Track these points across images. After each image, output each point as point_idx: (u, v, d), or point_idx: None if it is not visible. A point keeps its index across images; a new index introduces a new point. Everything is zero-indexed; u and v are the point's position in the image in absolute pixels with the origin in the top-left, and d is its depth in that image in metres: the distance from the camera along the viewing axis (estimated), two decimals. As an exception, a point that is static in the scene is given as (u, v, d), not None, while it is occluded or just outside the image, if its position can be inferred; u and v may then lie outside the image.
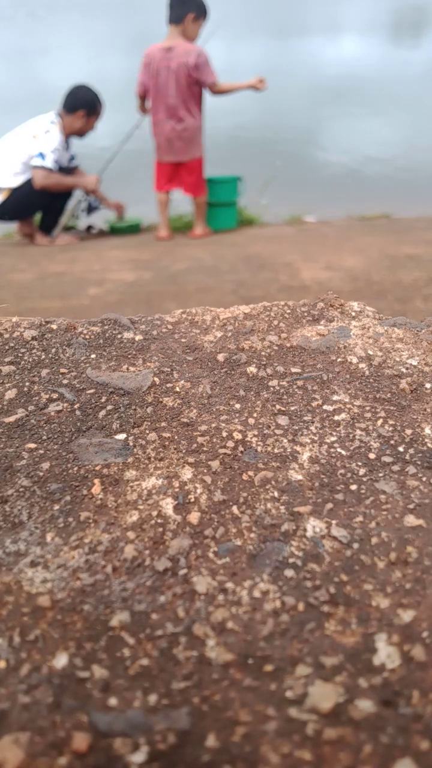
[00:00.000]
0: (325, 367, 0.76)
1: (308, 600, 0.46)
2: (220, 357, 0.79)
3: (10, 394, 0.72)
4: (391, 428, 0.65)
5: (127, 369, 0.77)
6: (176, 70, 4.00)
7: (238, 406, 0.69)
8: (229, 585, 0.48)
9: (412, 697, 0.39)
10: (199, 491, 0.57)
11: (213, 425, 0.66)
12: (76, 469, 0.60)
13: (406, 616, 0.45)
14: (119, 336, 0.84)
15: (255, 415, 0.68)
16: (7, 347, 0.81)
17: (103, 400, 0.71)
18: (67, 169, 4.35)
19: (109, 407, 0.70)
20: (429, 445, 0.62)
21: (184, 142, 4.30)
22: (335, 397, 0.70)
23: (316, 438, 0.64)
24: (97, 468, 0.60)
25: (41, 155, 4.03)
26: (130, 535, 0.52)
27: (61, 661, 0.42)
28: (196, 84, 4.10)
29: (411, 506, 0.55)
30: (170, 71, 4.01)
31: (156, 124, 4.24)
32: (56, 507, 0.56)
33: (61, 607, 0.46)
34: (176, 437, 0.65)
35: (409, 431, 0.64)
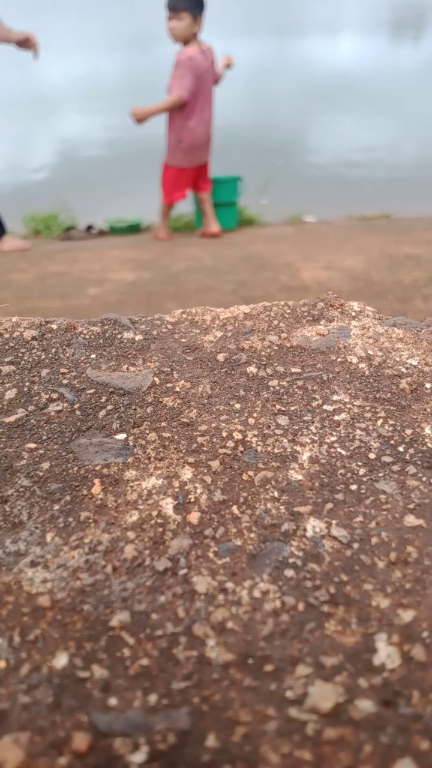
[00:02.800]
0: (325, 367, 0.76)
1: (308, 600, 0.46)
2: (220, 357, 0.79)
3: (10, 394, 0.72)
4: (391, 428, 0.65)
5: (127, 369, 0.77)
6: (212, 71, 4.00)
7: (238, 406, 0.69)
8: (229, 585, 0.48)
9: (412, 697, 0.39)
10: (199, 491, 0.57)
11: (213, 425, 0.66)
12: (76, 469, 0.60)
13: (406, 616, 0.45)
14: (119, 336, 0.84)
15: (255, 415, 0.68)
16: (7, 347, 0.81)
17: (103, 400, 0.71)
18: None
19: (109, 407, 0.70)
20: (429, 445, 0.62)
21: (209, 142, 4.25)
22: (335, 397, 0.70)
23: (316, 438, 0.64)
24: (97, 468, 0.60)
25: None
26: (130, 535, 0.52)
27: (61, 661, 0.42)
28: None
29: (411, 506, 0.55)
30: (208, 72, 3.99)
31: (191, 129, 4.10)
32: (56, 507, 0.56)
33: (61, 607, 0.46)
34: (176, 437, 0.64)
35: (409, 431, 0.64)
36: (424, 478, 0.58)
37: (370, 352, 0.79)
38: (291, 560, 0.50)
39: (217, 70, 4.11)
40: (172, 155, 4.25)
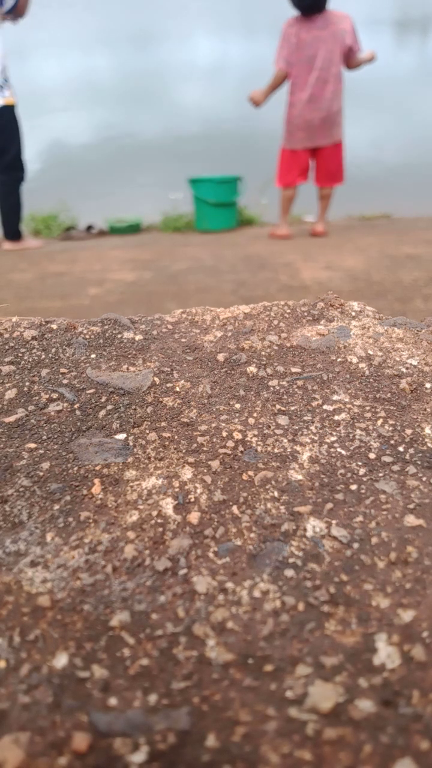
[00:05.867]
0: (325, 366, 0.76)
1: (308, 600, 0.46)
2: (220, 357, 0.79)
3: (10, 394, 0.72)
4: (391, 428, 0.65)
5: (127, 369, 0.77)
6: (333, 42, 3.65)
7: (238, 405, 0.69)
8: (229, 585, 0.48)
9: (412, 697, 0.39)
10: (199, 491, 0.57)
11: (213, 425, 0.66)
12: (76, 469, 0.60)
13: (406, 616, 0.45)
14: (119, 336, 0.84)
15: (255, 414, 0.68)
16: (7, 347, 0.81)
17: (103, 399, 0.71)
18: None
19: (109, 407, 0.69)
20: (429, 445, 0.62)
21: (326, 123, 3.89)
22: (335, 397, 0.70)
23: (316, 438, 0.64)
24: (97, 468, 0.60)
25: None
26: (130, 535, 0.52)
27: (61, 661, 0.42)
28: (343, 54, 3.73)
29: (411, 506, 0.55)
30: (321, 42, 3.64)
31: (294, 105, 3.85)
32: (56, 507, 0.56)
33: (61, 607, 0.46)
34: (176, 437, 0.64)
35: (409, 431, 0.64)
36: (424, 478, 0.58)
37: (370, 352, 0.79)
38: (291, 560, 0.50)
39: (347, 42, 3.69)
40: (284, 135, 3.99)
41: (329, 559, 0.50)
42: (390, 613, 0.45)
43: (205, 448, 0.63)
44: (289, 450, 0.62)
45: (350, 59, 3.82)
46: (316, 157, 4.11)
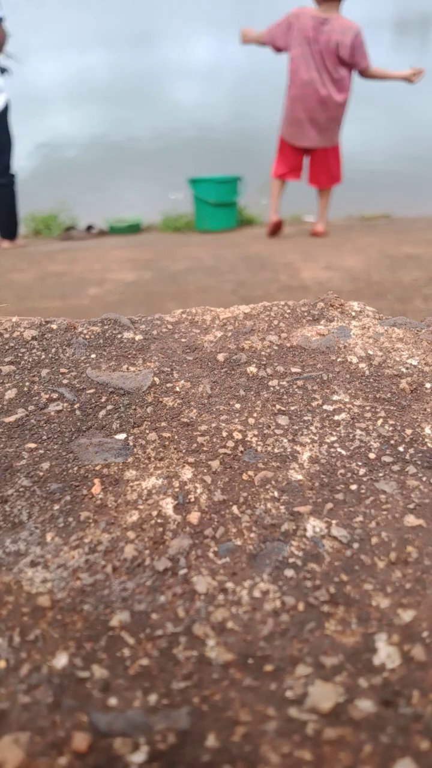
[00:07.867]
0: (325, 366, 0.76)
1: (308, 600, 0.46)
2: (220, 357, 0.79)
3: (10, 394, 0.72)
4: (391, 428, 0.65)
5: (127, 369, 0.77)
6: (330, 48, 3.66)
7: (238, 405, 0.69)
8: (229, 585, 0.48)
9: (412, 697, 0.39)
10: (199, 491, 0.57)
11: (213, 425, 0.66)
12: (76, 469, 0.60)
13: (406, 616, 0.45)
14: (119, 336, 0.84)
15: (255, 414, 0.68)
16: (7, 347, 0.81)
17: (103, 399, 0.71)
18: None
19: (109, 407, 0.70)
20: (429, 445, 0.62)
21: (317, 123, 3.88)
22: (335, 397, 0.70)
23: (316, 438, 0.64)
24: (97, 468, 0.60)
25: None
26: (130, 535, 0.52)
27: (61, 661, 0.42)
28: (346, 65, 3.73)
29: (411, 506, 0.55)
30: (318, 44, 3.66)
31: (291, 98, 3.85)
32: (56, 507, 0.56)
33: (61, 607, 0.46)
34: (176, 437, 0.64)
35: (409, 431, 0.64)
36: (424, 478, 0.58)
37: (370, 352, 0.79)
38: (291, 560, 0.50)
39: (341, 54, 3.66)
40: (281, 125, 4.01)
41: (329, 559, 0.50)
42: (390, 613, 0.45)
43: (205, 448, 0.63)
44: (289, 450, 0.62)
45: (362, 71, 3.81)
46: (311, 158, 4.10)
